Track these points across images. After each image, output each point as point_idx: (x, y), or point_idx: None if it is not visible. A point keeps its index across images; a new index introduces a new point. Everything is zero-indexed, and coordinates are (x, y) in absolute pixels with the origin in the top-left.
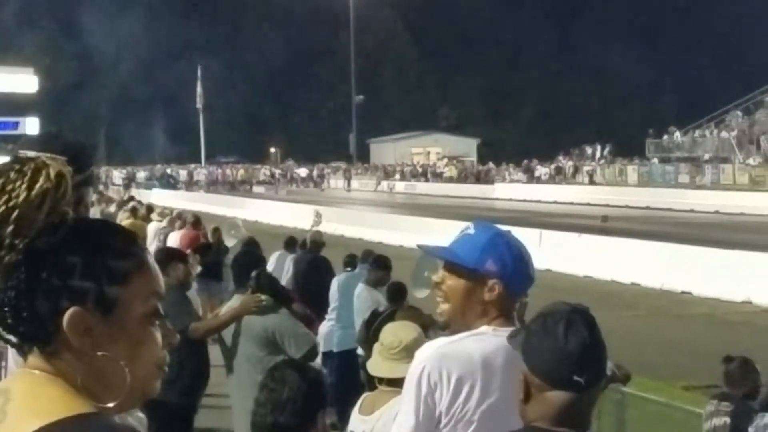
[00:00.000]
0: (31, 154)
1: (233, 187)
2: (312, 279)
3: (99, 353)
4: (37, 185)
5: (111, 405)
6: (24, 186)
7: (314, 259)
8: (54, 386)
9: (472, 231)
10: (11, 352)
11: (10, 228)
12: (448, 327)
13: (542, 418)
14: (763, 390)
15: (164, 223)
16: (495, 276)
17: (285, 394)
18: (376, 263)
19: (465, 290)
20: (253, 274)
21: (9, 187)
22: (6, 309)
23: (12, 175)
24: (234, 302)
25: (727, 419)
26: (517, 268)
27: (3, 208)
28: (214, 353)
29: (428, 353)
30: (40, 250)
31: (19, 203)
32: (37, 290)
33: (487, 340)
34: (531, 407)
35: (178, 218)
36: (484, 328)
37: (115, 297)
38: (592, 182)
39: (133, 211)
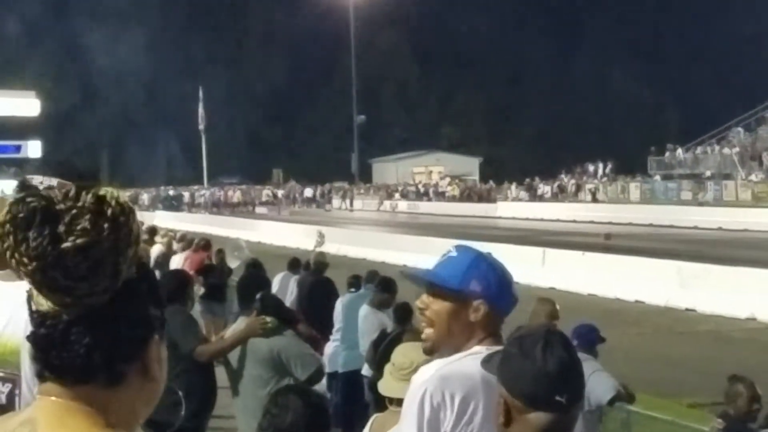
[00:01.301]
0: (37, 179)
1: (236, 208)
2: (316, 300)
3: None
4: (132, 222)
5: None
6: (123, 222)
7: (318, 280)
8: (79, 416)
9: (454, 253)
10: (24, 381)
11: (127, 265)
12: (433, 352)
13: None
14: (763, 411)
15: (173, 245)
16: (479, 296)
17: (288, 420)
18: (382, 285)
19: (450, 313)
20: (258, 295)
21: (107, 223)
22: (58, 344)
23: (80, 206)
24: (239, 324)
25: None
26: (501, 288)
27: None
28: (220, 375)
29: (428, 375)
30: (126, 281)
31: (132, 239)
32: (119, 322)
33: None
34: (514, 429)
35: (182, 240)
36: (477, 348)
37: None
38: (594, 200)
39: None
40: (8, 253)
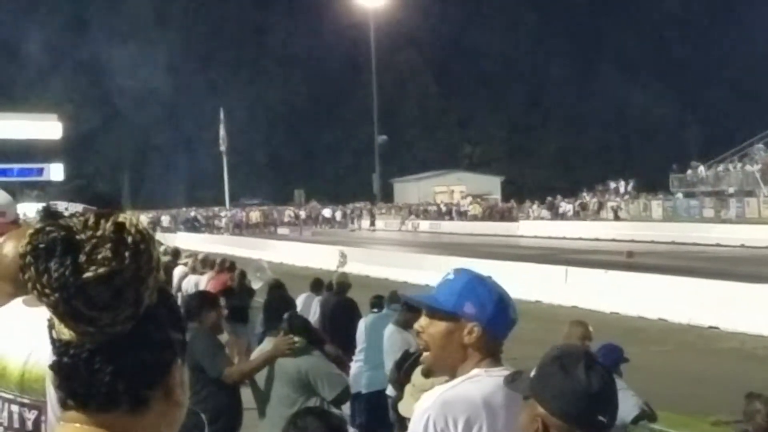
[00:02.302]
0: (61, 205)
1: (257, 229)
2: (338, 321)
3: (179, 403)
4: (152, 249)
5: None
6: (143, 249)
7: (340, 301)
8: None
9: (451, 276)
10: (50, 407)
11: (149, 292)
12: (430, 374)
13: None
14: None
15: (190, 266)
16: (473, 319)
17: None
18: (406, 305)
19: (444, 335)
20: (286, 316)
21: (127, 250)
22: (82, 373)
23: (100, 235)
24: (266, 345)
25: None
26: (496, 311)
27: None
28: (246, 395)
29: (430, 402)
30: (149, 306)
31: (153, 266)
32: (142, 349)
33: (483, 381)
34: None
35: (205, 261)
36: (475, 371)
37: (184, 343)
38: (617, 218)
39: None
40: (30, 285)
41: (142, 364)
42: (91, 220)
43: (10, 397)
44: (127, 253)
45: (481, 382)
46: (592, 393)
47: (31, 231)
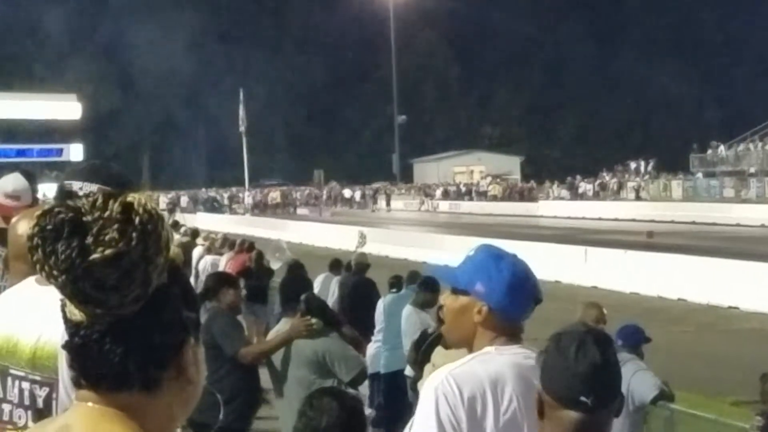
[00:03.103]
0: (76, 185)
1: (277, 210)
2: (357, 301)
3: (192, 382)
4: (161, 229)
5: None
6: (151, 229)
7: (359, 281)
8: (116, 422)
9: (472, 253)
10: (62, 384)
11: (158, 273)
12: (449, 348)
13: None
14: None
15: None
16: (482, 298)
17: (323, 422)
18: (424, 285)
19: (458, 311)
20: (303, 297)
21: (135, 232)
22: (93, 353)
23: (107, 216)
24: (283, 326)
25: None
26: (506, 292)
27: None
28: (264, 376)
29: (439, 379)
30: (158, 286)
31: (162, 246)
32: (153, 329)
33: (493, 359)
34: (545, 426)
35: (224, 242)
36: (486, 349)
37: (197, 322)
38: (638, 198)
39: None
40: (38, 266)
41: (152, 344)
42: (99, 200)
43: (21, 374)
44: (134, 234)
45: (489, 361)
46: (576, 373)
47: (38, 212)
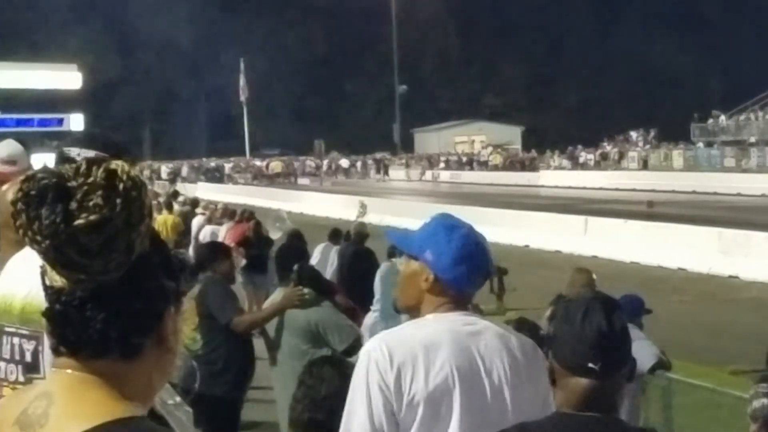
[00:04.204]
0: (74, 151)
1: (277, 180)
2: (356, 271)
3: (171, 350)
4: (144, 197)
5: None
6: (135, 196)
7: (358, 250)
8: (96, 389)
9: (428, 221)
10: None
11: (140, 240)
12: (400, 312)
13: (567, 403)
14: None
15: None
16: (429, 267)
17: (323, 391)
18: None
19: (408, 276)
20: (295, 267)
21: (118, 198)
22: (73, 320)
23: (91, 182)
24: (276, 296)
25: (765, 400)
26: (452, 264)
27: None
28: (259, 346)
29: (372, 344)
30: (140, 254)
31: (145, 213)
32: (134, 296)
33: (429, 326)
34: (558, 393)
35: (224, 211)
36: (428, 316)
37: (178, 291)
38: (645, 167)
39: (168, 207)
40: (21, 231)
41: (133, 311)
42: (83, 167)
43: (12, 330)
44: (118, 201)
45: (425, 327)
46: (583, 340)
47: (22, 178)
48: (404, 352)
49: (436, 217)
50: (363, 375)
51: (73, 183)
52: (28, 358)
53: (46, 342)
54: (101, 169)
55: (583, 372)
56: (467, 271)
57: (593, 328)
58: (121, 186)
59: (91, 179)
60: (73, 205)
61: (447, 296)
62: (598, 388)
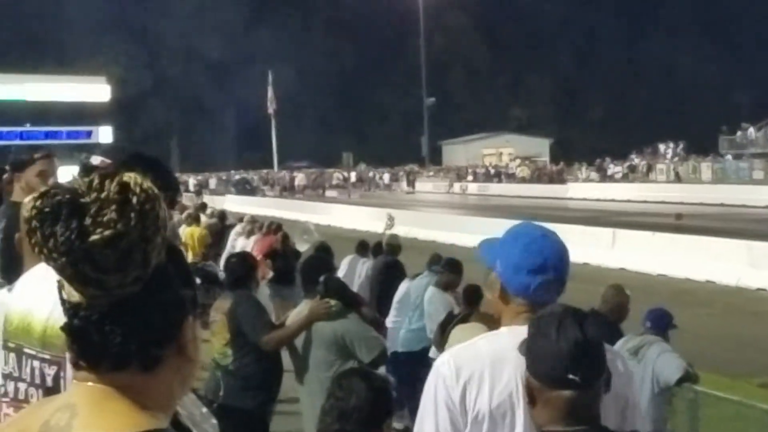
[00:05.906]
0: (96, 159)
1: (306, 192)
2: (387, 283)
3: (191, 359)
4: (159, 209)
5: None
6: (149, 209)
7: (389, 263)
8: (118, 401)
9: (506, 231)
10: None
11: (156, 252)
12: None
13: (551, 420)
14: None
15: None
16: (499, 276)
17: (351, 403)
18: (449, 266)
19: (487, 287)
20: (321, 279)
21: (132, 212)
22: (93, 335)
23: (105, 197)
24: (302, 308)
25: None
26: (515, 271)
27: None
28: (285, 358)
29: (441, 360)
30: (157, 265)
31: (160, 226)
32: (152, 309)
33: (500, 339)
34: (538, 411)
35: (252, 224)
36: (503, 329)
37: (195, 299)
38: (678, 179)
39: (196, 219)
40: (36, 249)
41: (153, 324)
42: (96, 181)
43: (33, 353)
44: (132, 214)
45: (496, 340)
46: (560, 352)
47: (35, 194)
48: (471, 367)
49: (515, 225)
50: (432, 392)
51: (87, 198)
52: (50, 383)
53: (69, 368)
54: (114, 183)
55: (564, 384)
56: (531, 280)
57: (569, 340)
58: (134, 199)
59: (104, 194)
60: (88, 220)
61: (520, 307)
62: (580, 399)
